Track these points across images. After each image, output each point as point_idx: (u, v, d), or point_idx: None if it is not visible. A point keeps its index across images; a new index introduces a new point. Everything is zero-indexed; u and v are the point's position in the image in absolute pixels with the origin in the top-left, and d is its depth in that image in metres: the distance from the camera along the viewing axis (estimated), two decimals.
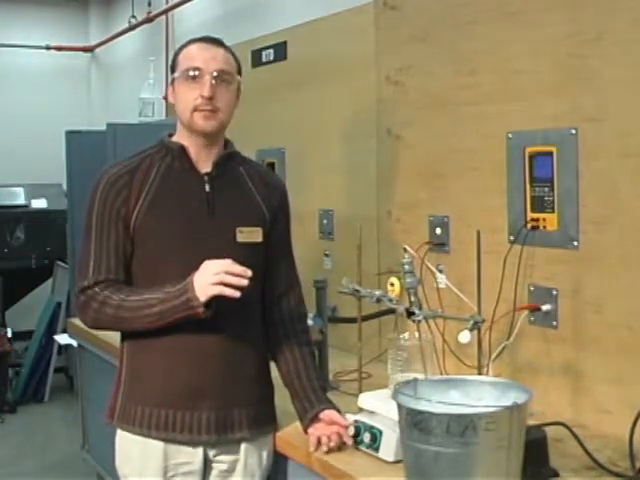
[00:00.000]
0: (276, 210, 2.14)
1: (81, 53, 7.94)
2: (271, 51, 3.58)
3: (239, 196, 2.09)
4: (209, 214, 2.03)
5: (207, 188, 2.04)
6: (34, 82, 7.68)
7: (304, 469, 2.08)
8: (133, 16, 6.41)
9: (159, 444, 2.01)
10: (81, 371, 3.90)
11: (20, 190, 6.75)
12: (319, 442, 2.01)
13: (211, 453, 2.05)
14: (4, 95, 7.54)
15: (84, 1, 8.04)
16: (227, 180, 2.08)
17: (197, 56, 2.02)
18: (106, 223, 2.01)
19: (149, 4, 6.06)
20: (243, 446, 2.08)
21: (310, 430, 2.05)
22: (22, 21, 7.65)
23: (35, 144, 7.27)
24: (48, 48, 7.64)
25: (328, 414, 2.05)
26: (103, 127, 4.58)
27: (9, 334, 5.97)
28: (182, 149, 2.05)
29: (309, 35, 3.37)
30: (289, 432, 2.15)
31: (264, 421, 2.11)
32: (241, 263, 1.89)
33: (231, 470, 2.09)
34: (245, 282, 1.86)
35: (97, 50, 7.87)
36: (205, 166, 2.06)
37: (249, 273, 1.87)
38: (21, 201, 6.70)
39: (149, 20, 6.15)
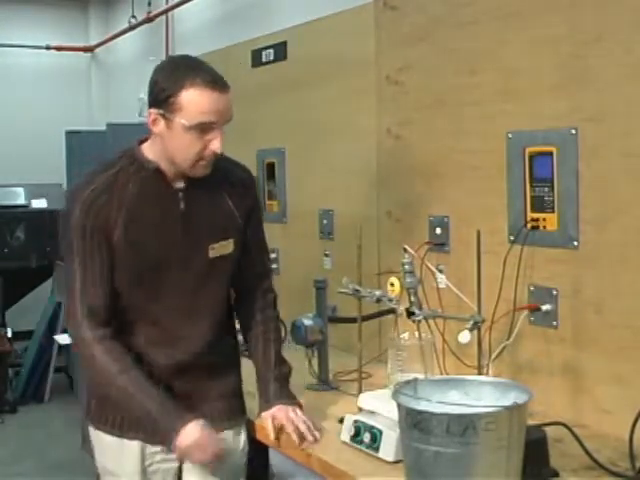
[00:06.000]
0: (249, 210, 2.16)
1: (81, 53, 7.94)
2: (271, 51, 3.57)
3: (213, 209, 2.08)
4: (183, 232, 2.04)
5: (182, 205, 2.03)
6: (34, 82, 7.68)
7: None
8: (133, 16, 6.42)
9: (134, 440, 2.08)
10: (81, 371, 3.89)
11: (20, 190, 6.74)
12: (280, 428, 2.09)
13: None
14: (4, 95, 7.55)
15: (84, 1, 8.05)
16: (200, 193, 2.05)
17: (211, 109, 1.89)
18: (88, 247, 1.98)
19: (149, 4, 6.07)
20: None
21: (264, 414, 2.13)
22: (22, 21, 7.65)
23: (35, 144, 7.27)
24: (48, 48, 7.65)
25: (282, 409, 2.11)
26: (103, 127, 4.59)
27: (9, 334, 5.97)
28: (158, 170, 2.01)
29: (309, 35, 3.37)
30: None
31: (235, 412, 2.18)
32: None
33: None
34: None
35: (97, 50, 7.88)
36: (179, 180, 2.04)
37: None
38: (21, 201, 6.69)
39: (149, 20, 6.16)
